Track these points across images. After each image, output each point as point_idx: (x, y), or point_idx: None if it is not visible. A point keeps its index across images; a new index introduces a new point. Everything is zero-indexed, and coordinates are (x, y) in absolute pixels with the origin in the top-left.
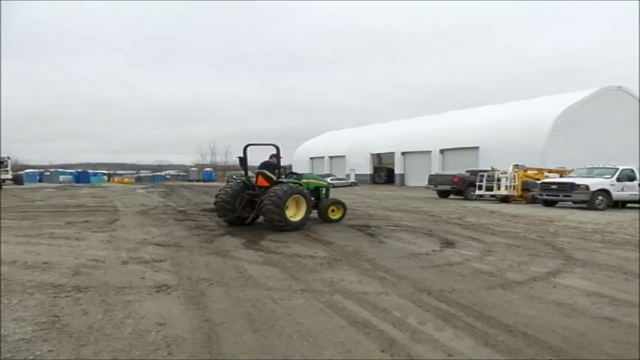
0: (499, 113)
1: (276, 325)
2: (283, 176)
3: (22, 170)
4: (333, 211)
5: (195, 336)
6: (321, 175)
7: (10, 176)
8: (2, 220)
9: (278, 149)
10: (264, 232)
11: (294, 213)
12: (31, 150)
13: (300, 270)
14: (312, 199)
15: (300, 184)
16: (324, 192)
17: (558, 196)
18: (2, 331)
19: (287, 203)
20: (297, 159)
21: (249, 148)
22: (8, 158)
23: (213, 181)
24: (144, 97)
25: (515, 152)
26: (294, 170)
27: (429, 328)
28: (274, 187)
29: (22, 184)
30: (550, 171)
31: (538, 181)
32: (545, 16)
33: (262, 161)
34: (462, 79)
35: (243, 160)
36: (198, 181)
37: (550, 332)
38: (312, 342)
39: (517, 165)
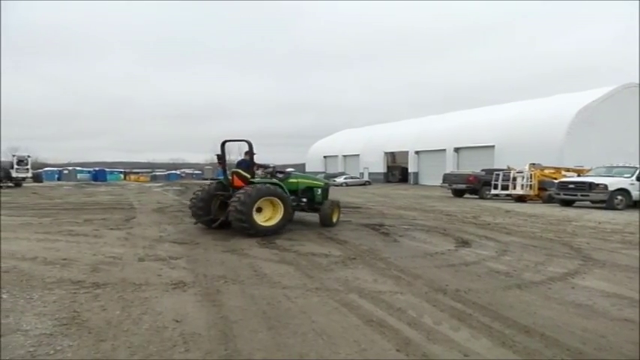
0: (515, 111)
1: (291, 323)
2: (264, 175)
3: (41, 168)
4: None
5: (211, 333)
6: (329, 175)
7: (30, 174)
8: (22, 218)
9: (250, 145)
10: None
11: (270, 216)
12: (50, 148)
13: (315, 268)
14: (305, 200)
15: (279, 185)
16: (319, 193)
17: (576, 195)
18: (24, 325)
19: (257, 206)
20: (310, 157)
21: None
22: (28, 157)
23: None
24: (162, 97)
25: (531, 151)
26: (308, 169)
27: (444, 328)
28: (243, 189)
29: (41, 181)
30: (568, 170)
31: (555, 180)
32: (562, 15)
33: (239, 159)
34: (478, 78)
35: (221, 158)
36: (212, 179)
37: (568, 333)
38: (327, 340)
39: (534, 164)
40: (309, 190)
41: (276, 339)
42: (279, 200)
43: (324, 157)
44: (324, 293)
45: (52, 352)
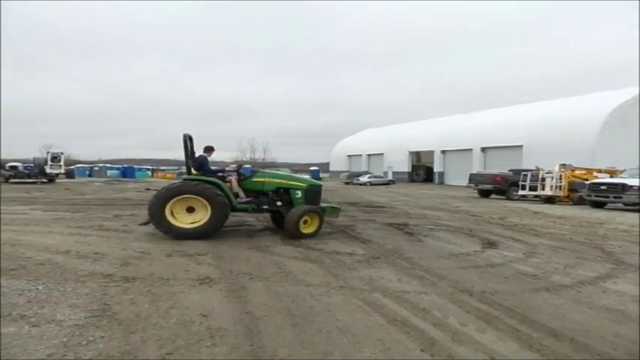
0: (545, 110)
1: (315, 320)
2: (224, 172)
3: (73, 165)
4: (305, 222)
5: (237, 328)
6: (353, 174)
7: (62, 170)
8: (56, 212)
9: (185, 140)
10: None
11: (201, 217)
12: (82, 146)
13: (339, 267)
14: (281, 203)
15: (216, 184)
16: (298, 195)
17: (608, 197)
18: (58, 316)
19: (189, 205)
20: (334, 156)
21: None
22: (61, 154)
23: None
24: (191, 96)
25: (561, 151)
26: (332, 168)
27: (470, 330)
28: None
29: (73, 178)
30: (599, 171)
31: (586, 182)
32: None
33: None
34: (506, 76)
35: (187, 152)
36: None
37: (599, 338)
38: (352, 338)
39: (564, 164)
40: (285, 192)
41: (301, 336)
42: (205, 200)
43: (348, 156)
44: (348, 292)
45: (84, 342)
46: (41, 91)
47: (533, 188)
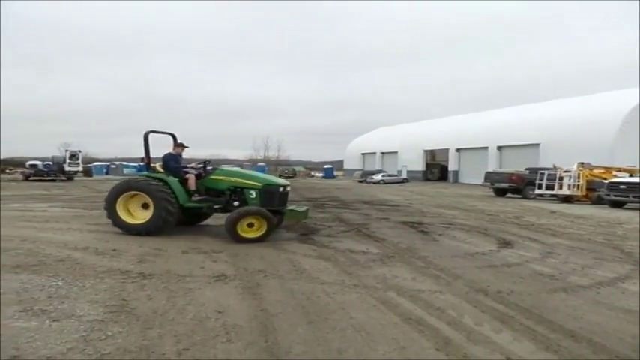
0: (562, 108)
1: (330, 318)
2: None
3: (90, 163)
4: (251, 225)
5: (252, 325)
6: (366, 172)
7: (80, 169)
8: (74, 210)
9: (145, 138)
10: (317, 226)
11: (147, 215)
12: (99, 144)
13: (353, 265)
14: (237, 203)
15: (163, 180)
16: (253, 195)
17: (627, 197)
18: (78, 311)
19: (126, 202)
20: (348, 155)
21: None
22: (80, 152)
23: None
24: (209, 96)
25: (579, 150)
26: (346, 167)
27: (485, 329)
28: None
29: (91, 176)
30: (619, 170)
31: (605, 181)
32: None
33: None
34: (523, 74)
35: (147, 151)
36: None
37: (618, 340)
38: (366, 336)
39: (582, 163)
40: (240, 191)
41: (316, 333)
42: (148, 197)
43: (362, 154)
44: (362, 290)
45: (103, 337)
46: (62, 91)
47: (550, 187)
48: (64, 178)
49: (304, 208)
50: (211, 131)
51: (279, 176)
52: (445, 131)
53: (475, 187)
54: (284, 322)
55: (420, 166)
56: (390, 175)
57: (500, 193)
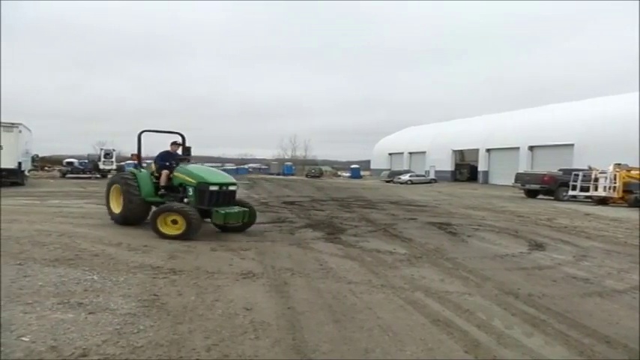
0: (598, 108)
1: (356, 317)
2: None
3: (124, 161)
4: (175, 222)
5: (280, 322)
6: (394, 172)
7: (114, 166)
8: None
9: (139, 136)
10: (344, 226)
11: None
12: (132, 143)
13: (380, 265)
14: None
15: (134, 174)
16: (190, 193)
17: None
18: (112, 305)
19: (112, 194)
20: (376, 154)
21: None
22: (114, 150)
23: (293, 174)
24: (240, 95)
25: (616, 150)
26: (373, 166)
27: (516, 333)
28: None
29: None
30: None
31: None
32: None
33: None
34: (558, 73)
35: (139, 150)
36: (278, 174)
37: None
38: (393, 337)
39: (619, 164)
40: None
41: (342, 332)
42: (120, 189)
43: (390, 154)
44: (389, 290)
45: (135, 330)
46: (99, 92)
47: (584, 189)
48: (98, 176)
49: (239, 209)
50: (241, 130)
51: (306, 175)
52: (475, 131)
53: (505, 188)
54: (311, 321)
55: (448, 166)
56: (417, 175)
57: (532, 194)
